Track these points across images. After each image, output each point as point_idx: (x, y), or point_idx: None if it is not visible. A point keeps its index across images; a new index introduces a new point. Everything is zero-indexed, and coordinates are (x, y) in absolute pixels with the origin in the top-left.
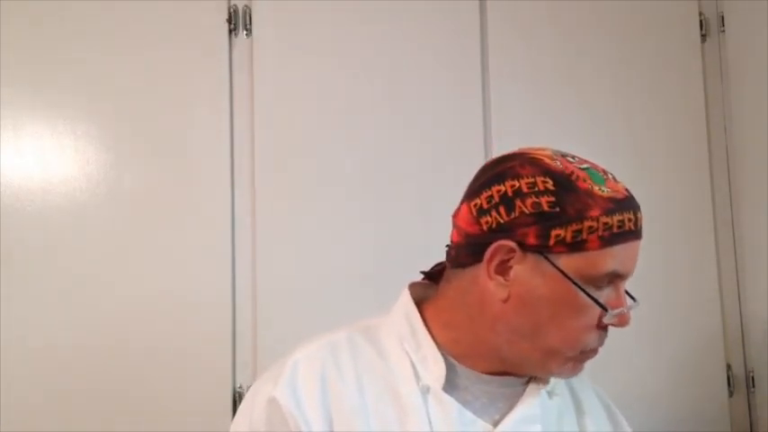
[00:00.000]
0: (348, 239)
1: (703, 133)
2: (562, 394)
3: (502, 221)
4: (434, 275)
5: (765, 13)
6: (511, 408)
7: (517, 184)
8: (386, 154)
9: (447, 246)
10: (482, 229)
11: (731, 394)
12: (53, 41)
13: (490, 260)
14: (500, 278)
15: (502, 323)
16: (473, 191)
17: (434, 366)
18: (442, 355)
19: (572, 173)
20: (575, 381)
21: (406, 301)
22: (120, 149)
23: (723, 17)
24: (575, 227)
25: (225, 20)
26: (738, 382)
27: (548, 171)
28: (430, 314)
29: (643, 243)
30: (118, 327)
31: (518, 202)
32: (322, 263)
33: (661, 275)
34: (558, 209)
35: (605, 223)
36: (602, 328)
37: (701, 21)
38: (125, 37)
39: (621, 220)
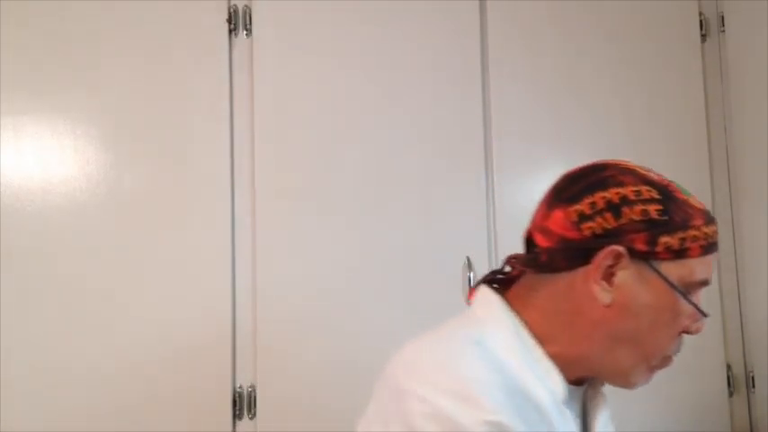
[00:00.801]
0: (348, 239)
1: (703, 133)
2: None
3: (608, 227)
4: (503, 281)
5: (765, 13)
6: (584, 414)
7: (622, 192)
8: (386, 154)
9: (529, 251)
10: (584, 235)
11: (731, 394)
12: (53, 42)
13: (599, 264)
14: (604, 283)
15: (601, 329)
16: (569, 197)
17: (553, 381)
18: (556, 368)
19: (668, 184)
20: None
21: (505, 312)
22: (120, 149)
23: (723, 17)
24: (681, 234)
25: (225, 20)
26: (738, 382)
27: (649, 181)
28: (531, 326)
29: None
30: (117, 326)
31: (625, 209)
32: (322, 263)
33: None
34: (666, 217)
35: (705, 233)
36: (682, 332)
37: (701, 21)
38: (125, 37)
39: (714, 231)
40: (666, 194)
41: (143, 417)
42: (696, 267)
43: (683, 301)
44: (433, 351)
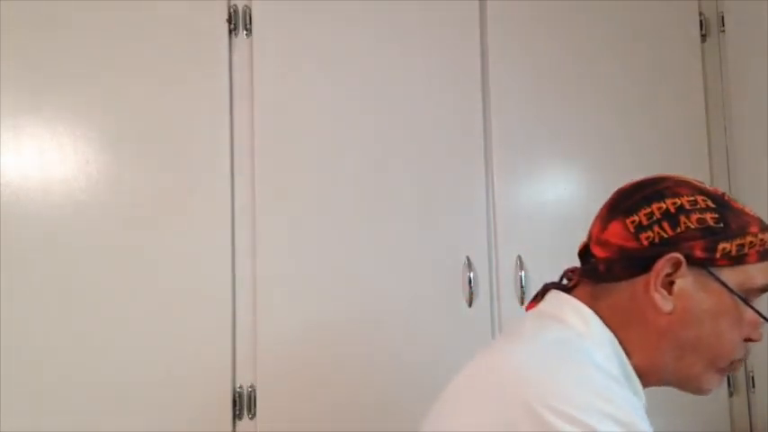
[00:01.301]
0: (348, 239)
1: (703, 133)
2: None
3: (666, 236)
4: (565, 289)
5: (765, 13)
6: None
7: (679, 202)
8: (386, 154)
9: (587, 262)
10: (642, 244)
11: (731, 394)
12: (53, 42)
13: (657, 272)
14: (664, 292)
15: (667, 338)
16: (626, 209)
17: (639, 398)
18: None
19: (724, 194)
20: None
21: (599, 325)
22: (120, 149)
23: (723, 17)
24: (738, 241)
25: (225, 20)
26: (738, 382)
27: (703, 191)
28: (622, 338)
29: None
30: (118, 326)
31: (682, 218)
32: (322, 263)
33: None
34: (722, 224)
35: (762, 239)
36: (747, 338)
37: (701, 21)
38: (125, 37)
39: None
40: (722, 203)
41: (143, 416)
42: (755, 273)
43: (743, 307)
44: (554, 368)
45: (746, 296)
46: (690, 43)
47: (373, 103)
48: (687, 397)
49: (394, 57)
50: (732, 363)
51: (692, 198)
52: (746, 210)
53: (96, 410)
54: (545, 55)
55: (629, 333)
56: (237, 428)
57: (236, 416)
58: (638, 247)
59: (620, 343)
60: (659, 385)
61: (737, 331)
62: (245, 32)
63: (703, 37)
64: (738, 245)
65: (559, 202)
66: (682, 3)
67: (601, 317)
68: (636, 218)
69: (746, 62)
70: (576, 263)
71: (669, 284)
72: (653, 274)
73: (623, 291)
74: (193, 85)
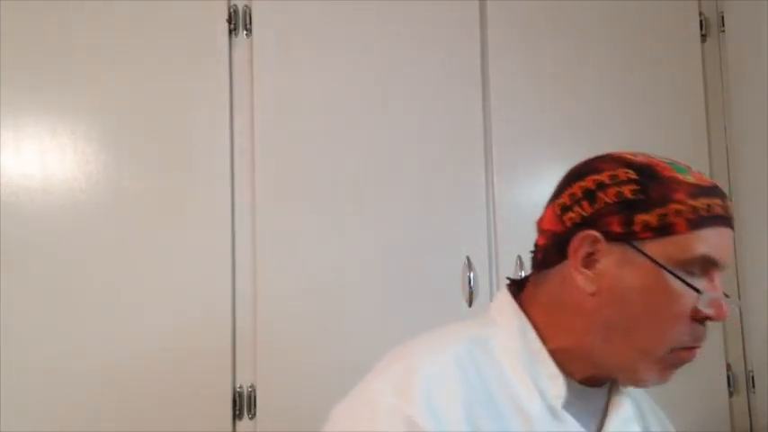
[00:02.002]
0: (348, 239)
1: (703, 133)
2: (638, 399)
3: (585, 214)
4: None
5: (765, 13)
6: (604, 415)
7: (599, 178)
8: (386, 154)
9: (531, 252)
10: (566, 226)
11: (731, 394)
12: (53, 42)
13: (575, 252)
14: (588, 272)
15: (594, 320)
16: (556, 192)
17: (555, 382)
18: (560, 370)
19: (655, 164)
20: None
21: (514, 311)
22: (120, 149)
23: (723, 17)
24: (660, 211)
25: (225, 20)
26: (738, 382)
27: (629, 163)
28: (536, 325)
29: None
30: (117, 326)
31: (600, 194)
32: (322, 263)
33: None
34: (642, 195)
35: (692, 206)
36: (698, 319)
37: (701, 21)
38: (125, 37)
39: (709, 204)
40: (646, 173)
41: (143, 416)
42: (691, 243)
43: (673, 280)
44: (423, 342)
45: (685, 268)
46: (690, 43)
47: (373, 102)
48: (687, 397)
49: (394, 57)
50: (675, 351)
51: (613, 172)
52: (680, 177)
53: (96, 410)
54: (545, 55)
55: (560, 317)
56: (237, 428)
57: (236, 416)
58: (563, 230)
59: (547, 328)
60: (597, 372)
61: (676, 307)
62: (245, 32)
63: (703, 37)
64: (660, 215)
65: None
66: (682, 3)
67: (539, 303)
68: (561, 200)
69: (746, 62)
70: None
71: (594, 263)
72: (570, 254)
73: (555, 276)
74: (193, 85)
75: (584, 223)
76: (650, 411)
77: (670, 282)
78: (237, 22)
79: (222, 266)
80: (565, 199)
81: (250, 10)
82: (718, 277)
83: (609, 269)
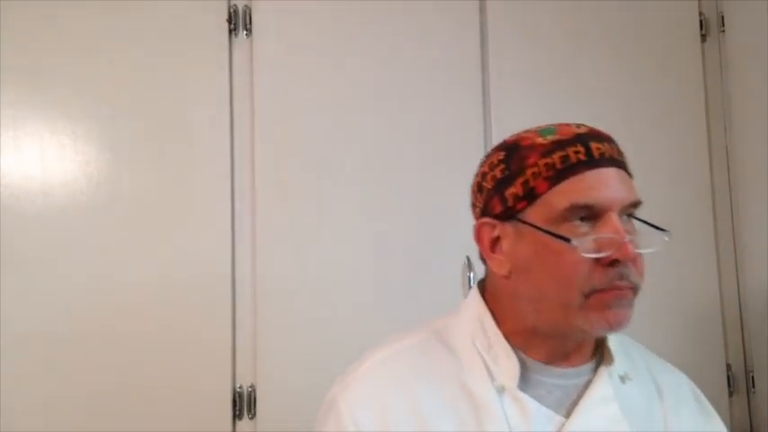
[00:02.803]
0: (348, 239)
1: (703, 133)
2: (642, 379)
3: (480, 206)
4: None
5: (765, 13)
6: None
7: (482, 169)
8: (386, 153)
9: None
10: (475, 220)
11: (731, 394)
12: (53, 42)
13: (479, 242)
14: (497, 256)
15: (518, 297)
16: None
17: (508, 364)
18: (514, 351)
19: (521, 137)
20: (654, 365)
21: (476, 300)
22: (120, 149)
23: (723, 17)
24: (520, 179)
25: (225, 20)
26: (738, 382)
27: (502, 144)
28: (493, 313)
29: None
30: (118, 326)
31: (483, 184)
32: (322, 262)
33: (661, 276)
34: (507, 172)
35: (546, 164)
36: (606, 264)
37: (701, 21)
38: (125, 37)
39: (564, 155)
40: (511, 149)
41: (143, 416)
42: (553, 199)
43: (553, 239)
44: (380, 348)
45: (562, 222)
46: (690, 43)
47: (373, 102)
48: None
49: (394, 56)
50: (596, 294)
51: (490, 160)
52: (538, 141)
53: (96, 410)
54: (545, 55)
55: (499, 304)
56: (237, 428)
57: (236, 416)
58: (474, 225)
59: (498, 314)
60: (556, 344)
61: (566, 258)
62: (245, 32)
63: (703, 37)
64: (522, 183)
65: None
66: (682, 3)
67: (489, 293)
68: (471, 199)
69: (746, 62)
70: None
71: (500, 247)
72: (477, 244)
73: (488, 268)
74: (193, 85)
75: (483, 214)
76: (678, 397)
77: (550, 241)
78: (237, 22)
79: (222, 266)
80: (471, 197)
81: (250, 10)
82: (614, 217)
83: (510, 248)
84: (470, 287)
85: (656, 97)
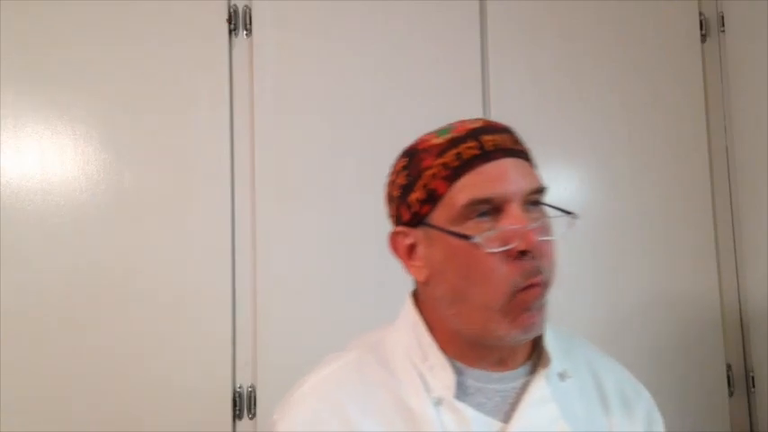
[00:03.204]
0: (348, 239)
1: (703, 133)
2: (581, 375)
3: (392, 216)
4: None
5: (765, 13)
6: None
7: (390, 179)
8: (386, 153)
9: None
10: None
11: (731, 394)
12: (53, 42)
13: (394, 250)
14: (413, 263)
15: (440, 302)
16: None
17: (443, 375)
18: (450, 361)
19: (419, 141)
20: (594, 359)
21: (410, 311)
22: (120, 149)
23: (723, 17)
24: (420, 183)
25: (225, 20)
26: (738, 382)
27: (405, 150)
28: (426, 322)
29: (643, 244)
30: (118, 327)
31: (391, 192)
32: (322, 263)
33: (661, 275)
34: (409, 178)
35: (441, 163)
36: (515, 256)
37: (700, 21)
38: (125, 37)
39: (458, 153)
40: (411, 154)
41: (143, 417)
42: (453, 198)
43: (474, 237)
44: (328, 360)
45: (464, 220)
46: (690, 43)
47: (373, 102)
48: (687, 397)
49: (394, 56)
50: (517, 296)
51: (395, 168)
52: (433, 142)
53: (96, 410)
54: (545, 55)
55: (427, 313)
56: (237, 428)
57: (236, 416)
58: (388, 235)
59: (430, 322)
60: (482, 349)
61: (479, 259)
62: (245, 32)
63: (703, 37)
64: (422, 186)
65: (559, 201)
66: (682, 3)
67: (420, 302)
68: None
69: (746, 62)
70: (570, 260)
71: (417, 254)
72: (393, 253)
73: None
74: (193, 85)
75: (396, 224)
76: (617, 397)
77: (456, 241)
78: (237, 22)
79: (222, 266)
80: (385, 207)
81: (250, 10)
82: (514, 207)
83: (424, 254)
84: None
85: (655, 97)
